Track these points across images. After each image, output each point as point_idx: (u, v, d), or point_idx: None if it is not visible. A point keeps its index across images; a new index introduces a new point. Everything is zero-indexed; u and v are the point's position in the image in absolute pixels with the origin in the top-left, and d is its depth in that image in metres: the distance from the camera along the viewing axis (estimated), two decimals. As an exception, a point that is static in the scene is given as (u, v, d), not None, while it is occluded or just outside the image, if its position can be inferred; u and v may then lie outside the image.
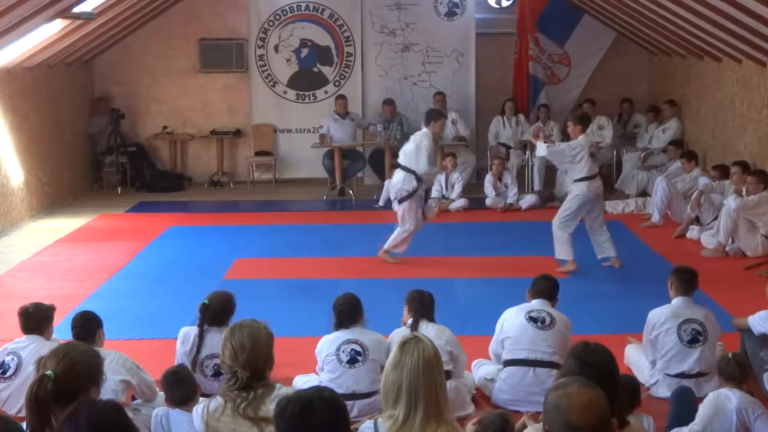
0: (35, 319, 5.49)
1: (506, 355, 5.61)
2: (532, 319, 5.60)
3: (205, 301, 5.53)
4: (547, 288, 5.82)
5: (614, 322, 7.18)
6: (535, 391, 5.30)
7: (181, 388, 4.78)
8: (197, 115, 14.46)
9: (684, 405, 4.94)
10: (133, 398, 5.27)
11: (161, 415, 4.69)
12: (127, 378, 5.10)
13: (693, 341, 5.69)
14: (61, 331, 5.79)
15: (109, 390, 4.91)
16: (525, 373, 5.50)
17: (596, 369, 3.34)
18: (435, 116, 9.16)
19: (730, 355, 4.98)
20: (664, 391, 5.70)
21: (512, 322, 5.64)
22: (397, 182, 9.03)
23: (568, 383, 2.85)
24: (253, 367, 3.68)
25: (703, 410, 4.71)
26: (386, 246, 9.17)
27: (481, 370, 5.83)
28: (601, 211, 8.94)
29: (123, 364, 5.14)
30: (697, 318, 5.78)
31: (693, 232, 10.10)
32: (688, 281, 5.92)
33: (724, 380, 4.88)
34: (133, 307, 7.83)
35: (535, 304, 5.74)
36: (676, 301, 5.89)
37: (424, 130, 9.06)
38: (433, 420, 3.27)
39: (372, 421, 3.37)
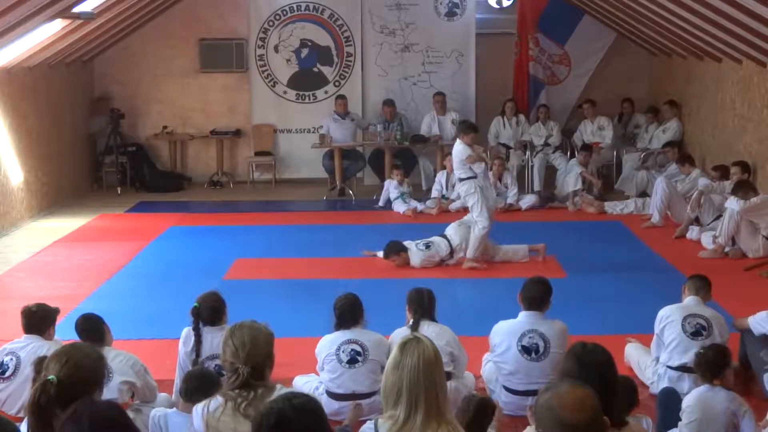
0: (36, 319, 5.48)
1: (504, 382, 5.53)
2: (525, 350, 5.41)
3: (195, 304, 5.53)
4: (538, 294, 5.57)
5: (614, 323, 7.18)
6: None
7: (201, 391, 4.76)
8: (197, 115, 14.46)
9: (670, 409, 4.93)
10: (133, 398, 5.27)
11: (159, 417, 4.70)
12: (133, 380, 5.11)
13: (696, 334, 5.70)
14: (61, 332, 5.78)
15: (113, 389, 4.91)
16: (524, 400, 5.40)
17: (594, 369, 3.35)
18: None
19: (701, 350, 5.01)
20: (664, 386, 5.71)
21: (506, 351, 5.48)
22: None
23: (558, 384, 2.89)
24: (253, 362, 3.71)
25: (690, 412, 4.71)
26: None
27: (487, 368, 5.81)
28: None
29: (132, 366, 5.15)
30: (704, 314, 5.80)
31: (693, 233, 10.09)
32: (702, 284, 6.01)
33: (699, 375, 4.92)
34: (133, 307, 7.83)
35: (526, 322, 5.52)
36: (688, 299, 5.96)
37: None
38: (433, 420, 3.27)
39: (372, 421, 3.38)
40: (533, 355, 5.41)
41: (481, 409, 4.40)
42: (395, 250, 9.13)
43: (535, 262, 9.14)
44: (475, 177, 8.85)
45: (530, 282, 5.68)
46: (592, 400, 2.79)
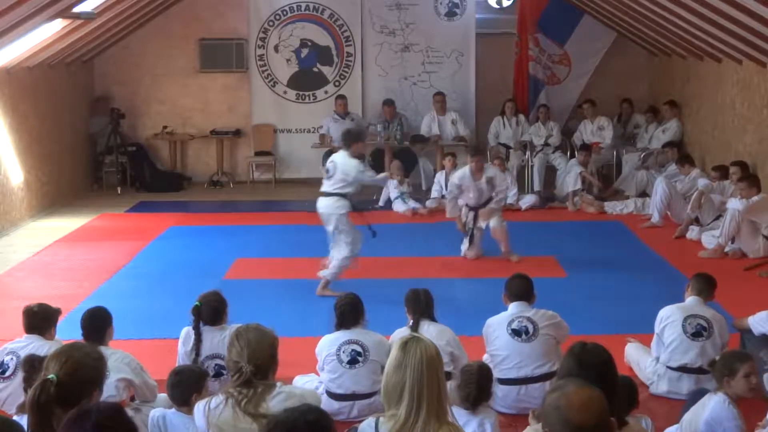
0: (38, 319, 5.48)
1: (498, 374, 5.53)
2: (515, 333, 5.53)
3: (197, 302, 5.54)
4: (522, 288, 5.71)
5: (614, 323, 7.18)
6: (532, 403, 5.28)
7: (184, 390, 4.78)
8: (197, 115, 14.46)
9: None
10: (132, 399, 5.27)
11: (157, 417, 4.71)
12: (130, 377, 5.11)
13: (696, 334, 5.72)
14: (61, 332, 5.78)
15: (110, 386, 4.90)
16: (518, 390, 5.49)
17: (594, 369, 3.35)
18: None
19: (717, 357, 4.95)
20: (664, 386, 5.74)
21: (498, 338, 5.58)
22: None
23: (565, 384, 2.88)
24: (257, 362, 3.76)
25: (686, 414, 4.71)
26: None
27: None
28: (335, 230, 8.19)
29: (128, 364, 5.16)
30: (705, 315, 5.81)
31: (693, 233, 10.09)
32: (705, 284, 6.00)
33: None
34: (133, 307, 7.82)
35: (515, 310, 5.64)
36: (689, 300, 5.96)
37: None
38: (434, 420, 3.28)
39: (374, 419, 3.38)
40: (523, 336, 5.52)
41: (482, 378, 4.78)
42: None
43: (534, 262, 9.13)
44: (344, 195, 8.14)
45: (511, 279, 5.82)
46: (600, 401, 2.79)
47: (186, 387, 4.75)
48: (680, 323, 5.75)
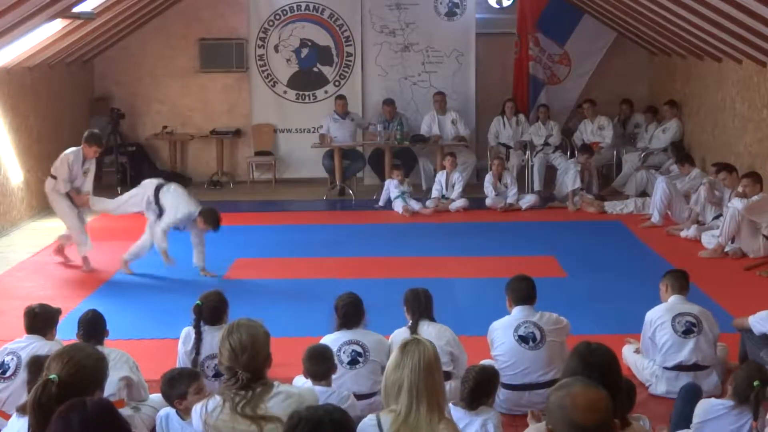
0: (39, 320, 5.48)
1: (502, 379, 5.47)
2: (522, 339, 5.48)
3: (198, 302, 5.54)
4: (527, 291, 5.64)
5: (614, 323, 7.17)
6: (534, 407, 5.27)
7: (176, 387, 4.79)
8: (197, 115, 14.45)
9: (690, 404, 4.90)
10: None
11: (162, 417, 4.73)
12: (129, 375, 5.12)
13: (687, 332, 5.75)
14: (61, 332, 5.77)
15: (112, 385, 4.91)
16: (520, 396, 5.47)
17: (598, 369, 3.35)
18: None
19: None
20: (662, 387, 5.75)
21: (503, 344, 5.54)
22: None
23: (571, 383, 2.87)
24: (252, 367, 3.69)
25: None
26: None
27: None
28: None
29: (126, 362, 5.18)
30: (692, 312, 5.85)
31: (689, 232, 10.06)
32: (682, 280, 6.03)
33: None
34: (133, 307, 7.83)
35: (519, 315, 5.58)
36: (672, 299, 5.98)
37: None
38: (435, 414, 3.31)
39: (374, 415, 3.40)
40: (531, 343, 5.48)
41: (482, 378, 4.77)
42: None
43: (534, 262, 9.13)
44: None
45: (514, 281, 5.75)
46: (605, 402, 2.78)
47: (176, 390, 4.77)
48: (670, 323, 5.79)
